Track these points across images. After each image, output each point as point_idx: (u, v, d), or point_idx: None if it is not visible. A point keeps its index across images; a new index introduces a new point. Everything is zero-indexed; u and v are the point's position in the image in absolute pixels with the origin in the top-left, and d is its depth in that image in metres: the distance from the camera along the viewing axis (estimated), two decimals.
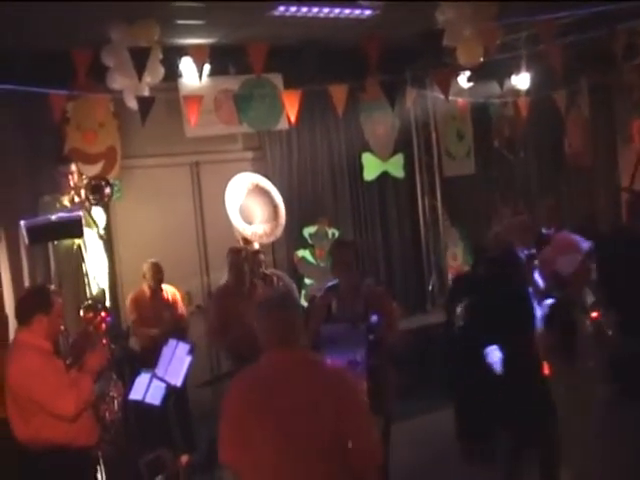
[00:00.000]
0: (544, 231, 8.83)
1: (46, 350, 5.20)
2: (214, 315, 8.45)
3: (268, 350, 3.89)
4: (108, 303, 8.59)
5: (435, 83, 10.21)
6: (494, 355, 6.56)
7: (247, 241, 9.62)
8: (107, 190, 8.58)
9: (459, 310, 7.79)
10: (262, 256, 9.26)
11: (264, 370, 3.90)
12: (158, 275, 9.23)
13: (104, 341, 5.61)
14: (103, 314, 5.67)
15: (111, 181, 9.36)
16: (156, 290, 9.28)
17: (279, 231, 10.21)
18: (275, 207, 10.12)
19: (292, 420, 3.71)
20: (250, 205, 10.01)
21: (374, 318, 5.82)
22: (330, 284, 6.54)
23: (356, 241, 10.37)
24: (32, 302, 5.28)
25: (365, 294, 6.29)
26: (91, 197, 8.66)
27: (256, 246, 9.62)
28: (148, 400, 6.74)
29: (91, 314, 5.70)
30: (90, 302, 6.76)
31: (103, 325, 5.63)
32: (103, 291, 8.79)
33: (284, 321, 3.87)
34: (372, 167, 12.07)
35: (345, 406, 3.76)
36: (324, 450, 3.71)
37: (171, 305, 9.37)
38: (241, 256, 8.44)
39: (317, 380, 3.83)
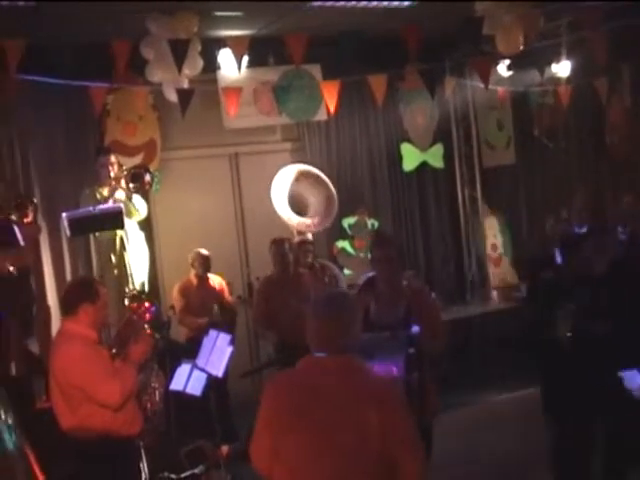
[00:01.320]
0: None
1: (92, 339, 5.23)
2: (259, 305, 8.46)
3: (311, 352, 3.61)
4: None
5: (475, 72, 10.14)
6: (635, 380, 5.55)
7: (301, 231, 9.67)
8: (147, 177, 8.64)
9: (562, 315, 6.08)
10: (310, 246, 9.25)
11: (304, 374, 3.64)
12: (205, 264, 9.26)
13: (148, 331, 5.62)
14: (147, 304, 5.69)
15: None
16: (203, 279, 9.31)
17: (329, 222, 10.22)
18: (328, 197, 10.13)
19: (330, 433, 3.44)
20: (302, 194, 10.02)
21: (415, 329, 5.17)
22: (367, 277, 5.95)
23: (395, 239, 9.90)
24: (78, 292, 5.31)
25: (407, 297, 5.56)
26: (131, 185, 8.73)
27: (309, 236, 9.65)
28: (189, 390, 6.77)
29: (135, 304, 5.72)
30: (135, 292, 6.80)
31: (147, 315, 5.64)
32: (143, 283, 8.85)
33: (331, 323, 3.56)
34: (411, 157, 12.02)
35: (392, 422, 3.43)
36: (366, 469, 3.41)
37: (218, 294, 9.40)
38: (284, 246, 8.43)
39: (361, 391, 3.50)
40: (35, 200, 8.72)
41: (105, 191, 8.88)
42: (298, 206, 9.97)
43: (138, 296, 5.99)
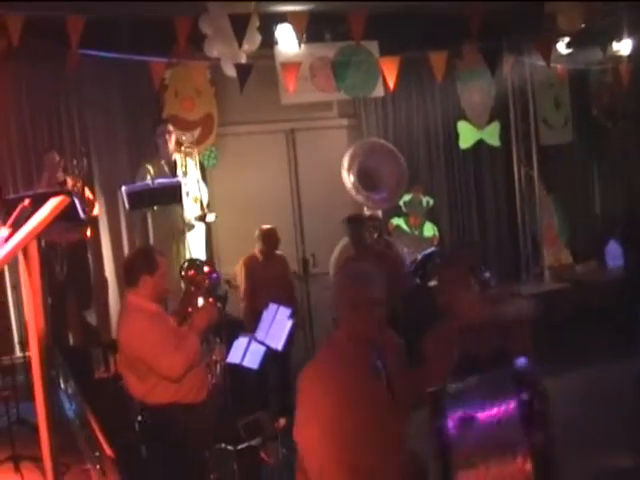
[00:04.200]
0: None
1: (153, 312, 5.26)
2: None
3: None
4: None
5: (536, 50, 10.03)
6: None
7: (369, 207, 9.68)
8: None
9: None
10: (377, 223, 9.23)
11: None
12: (271, 240, 9.17)
13: (210, 299, 5.61)
14: (207, 269, 5.66)
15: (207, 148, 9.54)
16: (269, 255, 9.22)
17: (397, 198, 10.20)
18: (399, 173, 10.11)
19: None
20: (375, 167, 10.01)
21: (521, 361, 3.47)
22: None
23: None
24: (137, 263, 5.33)
25: (497, 318, 4.26)
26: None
27: (378, 212, 9.63)
28: (246, 364, 6.80)
29: (192, 271, 5.71)
30: (190, 260, 6.80)
31: (207, 281, 5.63)
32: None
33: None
34: (468, 135, 11.94)
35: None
36: None
37: (285, 270, 9.36)
38: (359, 223, 8.31)
39: None
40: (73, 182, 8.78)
41: (164, 166, 8.96)
42: (370, 180, 9.94)
43: (194, 263, 5.96)
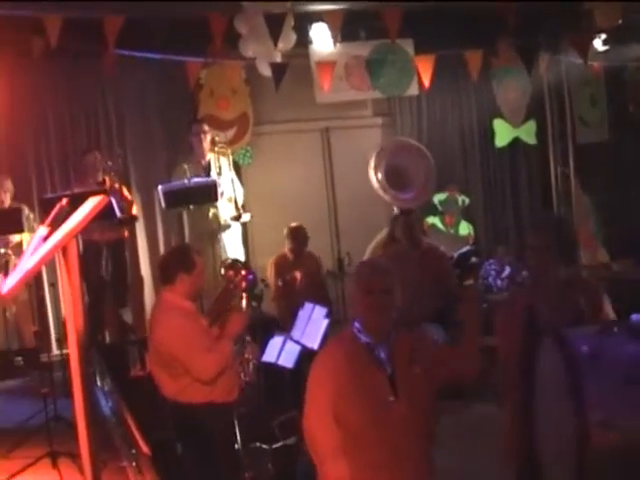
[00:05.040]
0: None
1: (188, 310, 5.26)
2: None
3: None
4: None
5: (572, 47, 9.95)
6: None
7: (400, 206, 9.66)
8: None
9: None
10: (411, 220, 9.20)
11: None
12: (300, 238, 9.21)
13: (245, 300, 5.60)
14: (244, 272, 5.65)
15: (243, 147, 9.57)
16: (299, 254, 9.26)
17: (426, 197, 10.17)
18: (427, 172, 10.08)
19: None
20: (403, 166, 9.99)
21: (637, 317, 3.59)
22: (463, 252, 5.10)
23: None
24: (174, 261, 5.32)
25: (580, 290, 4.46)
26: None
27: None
28: (281, 363, 6.81)
29: (231, 272, 5.70)
30: (231, 260, 6.81)
31: (244, 283, 5.62)
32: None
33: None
34: (503, 133, 11.87)
35: None
36: None
37: (315, 269, 9.37)
38: (410, 220, 8.25)
39: None
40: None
41: (199, 165, 9.01)
42: (398, 179, 9.92)
43: (234, 264, 5.94)
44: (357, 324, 3.85)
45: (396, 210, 9.60)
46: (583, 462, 3.23)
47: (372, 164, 9.84)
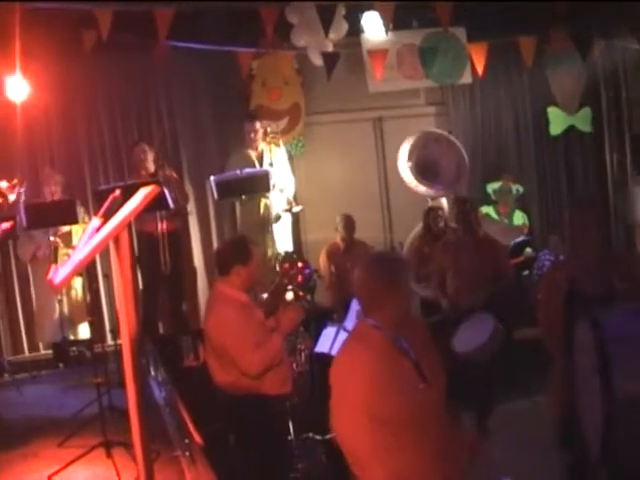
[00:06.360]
0: None
1: (243, 303, 5.23)
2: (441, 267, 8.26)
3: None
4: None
5: (628, 32, 9.76)
6: None
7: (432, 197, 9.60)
8: None
9: None
10: (440, 212, 9.13)
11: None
12: (350, 227, 9.20)
13: (300, 293, 5.57)
14: (300, 264, 5.61)
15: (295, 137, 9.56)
16: (350, 243, 9.24)
17: (459, 188, 10.08)
18: (459, 163, 10.00)
19: None
20: (433, 158, 9.92)
21: None
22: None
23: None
24: (231, 253, 5.29)
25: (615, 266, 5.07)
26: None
27: (443, 201, 9.55)
28: (334, 353, 6.79)
29: (287, 265, 5.66)
30: (286, 253, 6.79)
31: (300, 277, 5.58)
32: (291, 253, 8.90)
33: (365, 287, 3.73)
34: (558, 121, 11.71)
35: None
36: None
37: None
38: (467, 207, 8.16)
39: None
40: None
41: (252, 155, 9.02)
42: (430, 171, 9.86)
43: (290, 257, 5.91)
44: (370, 320, 3.75)
45: (430, 202, 9.54)
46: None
47: (402, 157, 9.78)
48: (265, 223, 9.12)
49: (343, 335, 6.70)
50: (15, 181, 7.98)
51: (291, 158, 10.05)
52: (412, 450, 3.65)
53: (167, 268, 8.92)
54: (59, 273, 2.82)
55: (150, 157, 8.95)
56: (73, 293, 8.94)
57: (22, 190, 8.04)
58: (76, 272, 2.85)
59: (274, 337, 5.21)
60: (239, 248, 5.29)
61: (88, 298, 8.77)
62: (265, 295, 5.91)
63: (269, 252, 9.02)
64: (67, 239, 8.77)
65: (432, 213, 9.06)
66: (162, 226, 8.79)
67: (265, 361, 5.10)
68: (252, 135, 9.13)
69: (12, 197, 7.89)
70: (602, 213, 5.07)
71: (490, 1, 9.46)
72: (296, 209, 9.16)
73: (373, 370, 3.62)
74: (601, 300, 4.48)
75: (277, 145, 9.12)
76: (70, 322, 8.91)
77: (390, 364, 3.68)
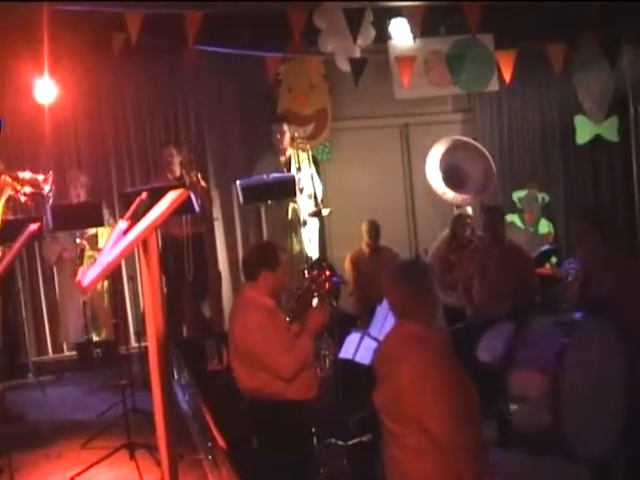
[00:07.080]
0: None
1: (269, 307, 5.22)
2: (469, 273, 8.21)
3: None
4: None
5: None
6: None
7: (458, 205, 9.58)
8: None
9: None
10: (468, 219, 9.09)
11: (389, 341, 4.06)
12: (375, 233, 9.21)
13: (326, 300, 5.56)
14: (328, 272, 5.61)
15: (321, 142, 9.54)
16: (375, 249, 9.25)
17: (486, 195, 10.05)
18: (486, 170, 9.97)
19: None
20: (460, 165, 9.90)
21: None
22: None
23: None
24: (258, 258, 5.28)
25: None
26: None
27: (468, 210, 9.51)
28: (358, 359, 6.76)
29: (315, 272, 5.66)
30: (315, 260, 6.78)
31: (327, 284, 5.57)
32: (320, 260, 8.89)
33: (398, 294, 3.95)
34: (585, 130, 11.65)
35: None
36: None
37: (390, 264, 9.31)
38: (496, 215, 8.14)
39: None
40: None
41: (279, 160, 9.03)
42: (456, 178, 9.84)
43: (319, 263, 5.90)
44: (410, 322, 3.91)
45: (456, 210, 9.52)
46: None
47: (432, 163, 9.76)
48: (294, 227, 9.10)
49: (368, 341, 6.68)
50: (50, 173, 8.02)
51: (317, 164, 10.05)
52: (479, 445, 3.81)
53: (190, 272, 8.95)
54: (87, 275, 2.83)
55: (177, 160, 8.98)
56: (98, 295, 8.98)
57: (51, 189, 8.07)
58: (104, 274, 2.87)
59: (303, 337, 5.21)
60: (267, 254, 5.29)
61: (112, 300, 8.80)
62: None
63: (298, 255, 8.99)
64: (93, 241, 8.82)
65: (460, 220, 9.03)
66: (187, 230, 8.81)
67: (299, 360, 5.10)
68: (279, 137, 9.11)
69: (47, 188, 7.93)
70: (602, 221, 5.43)
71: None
72: (325, 212, 9.14)
73: (446, 371, 3.75)
74: (601, 301, 4.99)
75: (305, 150, 9.10)
76: (94, 323, 8.95)
77: (452, 361, 3.83)
